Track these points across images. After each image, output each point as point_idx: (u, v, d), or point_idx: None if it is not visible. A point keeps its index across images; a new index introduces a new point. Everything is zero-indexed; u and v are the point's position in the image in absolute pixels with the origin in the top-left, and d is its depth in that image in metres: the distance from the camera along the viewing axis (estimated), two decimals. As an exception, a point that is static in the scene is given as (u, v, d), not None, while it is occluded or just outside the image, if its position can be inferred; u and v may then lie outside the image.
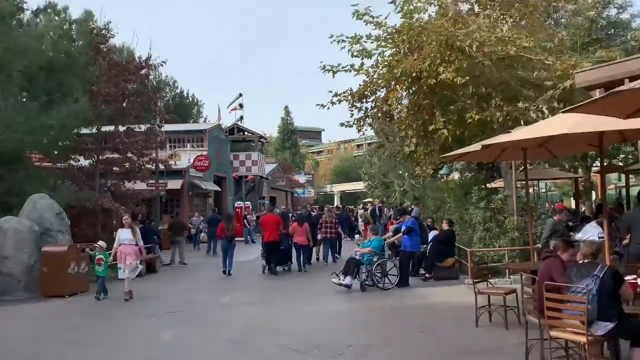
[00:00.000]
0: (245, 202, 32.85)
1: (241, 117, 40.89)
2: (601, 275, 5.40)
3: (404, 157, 14.62)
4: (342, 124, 14.45)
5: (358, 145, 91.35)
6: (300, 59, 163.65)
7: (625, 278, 5.68)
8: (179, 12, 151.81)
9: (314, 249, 17.80)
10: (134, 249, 12.03)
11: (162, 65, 20.61)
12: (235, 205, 30.93)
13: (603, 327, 5.34)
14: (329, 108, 14.10)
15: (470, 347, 7.27)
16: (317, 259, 18.10)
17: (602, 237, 13.84)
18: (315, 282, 14.23)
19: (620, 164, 21.75)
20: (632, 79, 8.31)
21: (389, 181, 46.24)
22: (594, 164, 22.22)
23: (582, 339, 5.33)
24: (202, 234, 27.42)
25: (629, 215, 8.88)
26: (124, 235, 12.04)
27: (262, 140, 43.50)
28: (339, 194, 74.70)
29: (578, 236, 13.53)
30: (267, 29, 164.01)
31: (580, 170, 21.25)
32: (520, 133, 6.19)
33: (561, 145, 7.32)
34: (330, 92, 13.92)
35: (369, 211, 26.98)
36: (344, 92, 14.01)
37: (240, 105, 40.66)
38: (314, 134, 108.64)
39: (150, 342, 8.36)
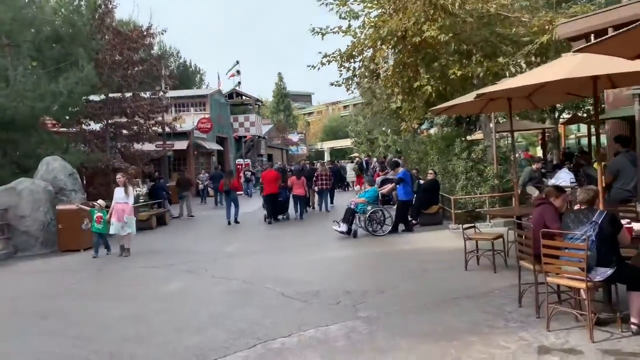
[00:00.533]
0: (245, 160, 32.04)
1: (239, 83, 39.57)
2: (599, 222, 4.73)
3: (390, 113, 13.77)
4: (332, 84, 13.57)
5: (345, 106, 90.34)
6: (293, 28, 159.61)
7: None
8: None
9: (310, 200, 17.86)
10: (126, 207, 11.03)
11: (162, 33, 19.33)
12: (237, 162, 30.06)
13: (602, 273, 4.70)
14: (319, 69, 13.21)
15: (463, 290, 6.65)
16: (313, 207, 17.98)
17: (574, 182, 13.30)
18: (312, 230, 13.63)
19: (584, 115, 21.03)
20: (616, 27, 7.49)
21: (373, 137, 45.43)
22: (561, 116, 21.55)
23: (581, 285, 4.69)
24: (209, 189, 26.80)
25: (618, 160, 8.17)
26: (117, 194, 11.17)
27: (258, 103, 42.22)
28: (328, 150, 74.05)
29: (551, 182, 12.95)
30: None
31: (548, 121, 20.55)
32: (513, 82, 5.40)
33: (547, 94, 6.55)
34: (320, 53, 12.97)
35: (357, 164, 26.22)
36: (332, 53, 13.06)
37: (238, 72, 39.29)
38: (305, 97, 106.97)
39: (158, 293, 7.71)
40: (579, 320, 5.09)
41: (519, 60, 11.16)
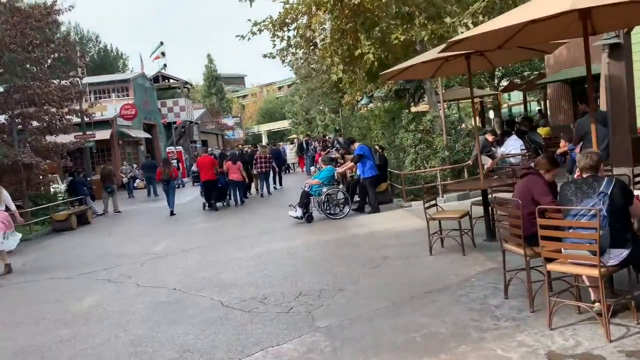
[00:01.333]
0: (177, 147, 30.03)
1: (165, 65, 36.91)
2: (609, 192, 3.81)
3: (330, 86, 12.62)
4: (264, 55, 12.21)
5: (279, 87, 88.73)
6: (220, 7, 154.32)
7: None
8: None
9: (252, 184, 17.42)
10: (3, 215, 8.98)
11: (69, 9, 17.02)
12: (167, 150, 28.09)
13: (616, 256, 3.79)
14: (249, 39, 11.83)
15: (433, 282, 5.67)
16: (257, 191, 17.32)
17: (524, 150, 12.75)
18: (255, 218, 12.41)
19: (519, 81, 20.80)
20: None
21: (311, 117, 44.28)
22: (500, 84, 21.23)
23: (594, 272, 3.76)
24: (138, 181, 24.80)
25: (584, 121, 7.42)
26: None
27: (187, 86, 39.61)
28: (266, 133, 72.44)
29: (500, 150, 12.32)
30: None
31: (487, 89, 20.14)
32: (490, 25, 4.36)
33: (517, 45, 5.59)
34: (249, 21, 11.57)
35: (296, 145, 25.00)
36: (264, 21, 11.70)
37: (163, 54, 36.61)
38: (238, 80, 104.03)
39: (67, 313, 6.24)
40: (581, 312, 4.21)
41: (465, 21, 10.27)
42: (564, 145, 8.80)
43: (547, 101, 17.04)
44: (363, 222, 9.98)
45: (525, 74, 19.14)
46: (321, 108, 37.11)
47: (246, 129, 72.32)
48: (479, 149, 7.92)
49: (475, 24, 10.53)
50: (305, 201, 10.57)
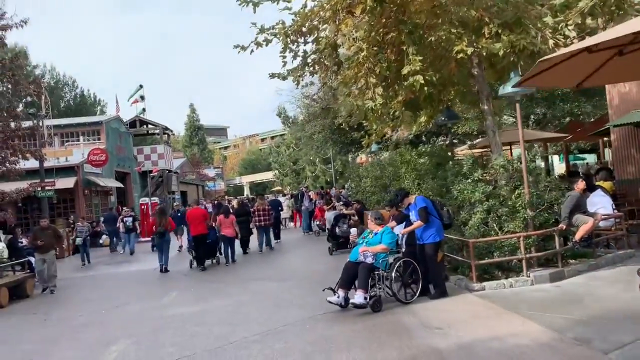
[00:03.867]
0: (153, 198, 26.13)
1: (143, 110, 33.57)
2: None
3: (361, 115, 9.20)
4: (271, 75, 8.82)
5: (262, 139, 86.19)
6: (204, 58, 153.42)
7: None
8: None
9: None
10: None
11: (21, 26, 13.61)
12: (140, 201, 24.27)
13: None
14: (252, 51, 8.49)
15: None
16: (261, 249, 15.04)
17: (615, 209, 9.45)
18: (255, 299, 8.65)
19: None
20: None
21: (299, 168, 41.00)
22: (562, 122, 17.58)
23: None
24: (104, 237, 20.77)
25: None
26: None
27: (167, 132, 36.03)
28: (248, 185, 69.06)
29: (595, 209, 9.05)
30: (170, 30, 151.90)
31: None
32: None
33: None
34: (254, 25, 8.25)
35: (291, 198, 21.44)
36: (272, 27, 8.42)
37: (142, 97, 33.35)
38: (220, 131, 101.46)
39: None
40: None
41: (568, 25, 7.13)
42: None
43: (611, 149, 13.95)
44: (434, 318, 6.31)
45: (580, 116, 16.04)
46: (312, 158, 33.85)
47: (227, 180, 68.99)
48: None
49: (582, 30, 7.44)
50: (367, 278, 6.85)
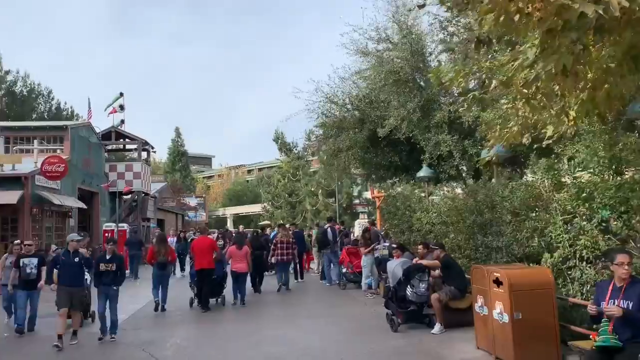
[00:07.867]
0: (121, 225, 20.72)
1: (122, 122, 28.45)
2: None
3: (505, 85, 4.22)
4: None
5: (249, 170, 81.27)
6: (193, 85, 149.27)
7: None
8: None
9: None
10: None
11: None
12: (104, 227, 18.94)
13: None
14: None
15: None
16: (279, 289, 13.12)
17: None
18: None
19: None
20: None
21: (295, 201, 35.84)
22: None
23: None
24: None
25: None
26: None
27: (147, 147, 30.53)
28: (232, 217, 63.57)
29: None
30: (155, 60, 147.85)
31: None
32: None
33: None
34: None
35: (313, 234, 16.40)
36: None
37: (121, 107, 28.34)
38: (205, 160, 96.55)
39: None
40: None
41: None
42: None
43: None
44: None
45: None
46: (313, 189, 28.90)
47: (210, 211, 63.39)
48: None
49: None
50: None
